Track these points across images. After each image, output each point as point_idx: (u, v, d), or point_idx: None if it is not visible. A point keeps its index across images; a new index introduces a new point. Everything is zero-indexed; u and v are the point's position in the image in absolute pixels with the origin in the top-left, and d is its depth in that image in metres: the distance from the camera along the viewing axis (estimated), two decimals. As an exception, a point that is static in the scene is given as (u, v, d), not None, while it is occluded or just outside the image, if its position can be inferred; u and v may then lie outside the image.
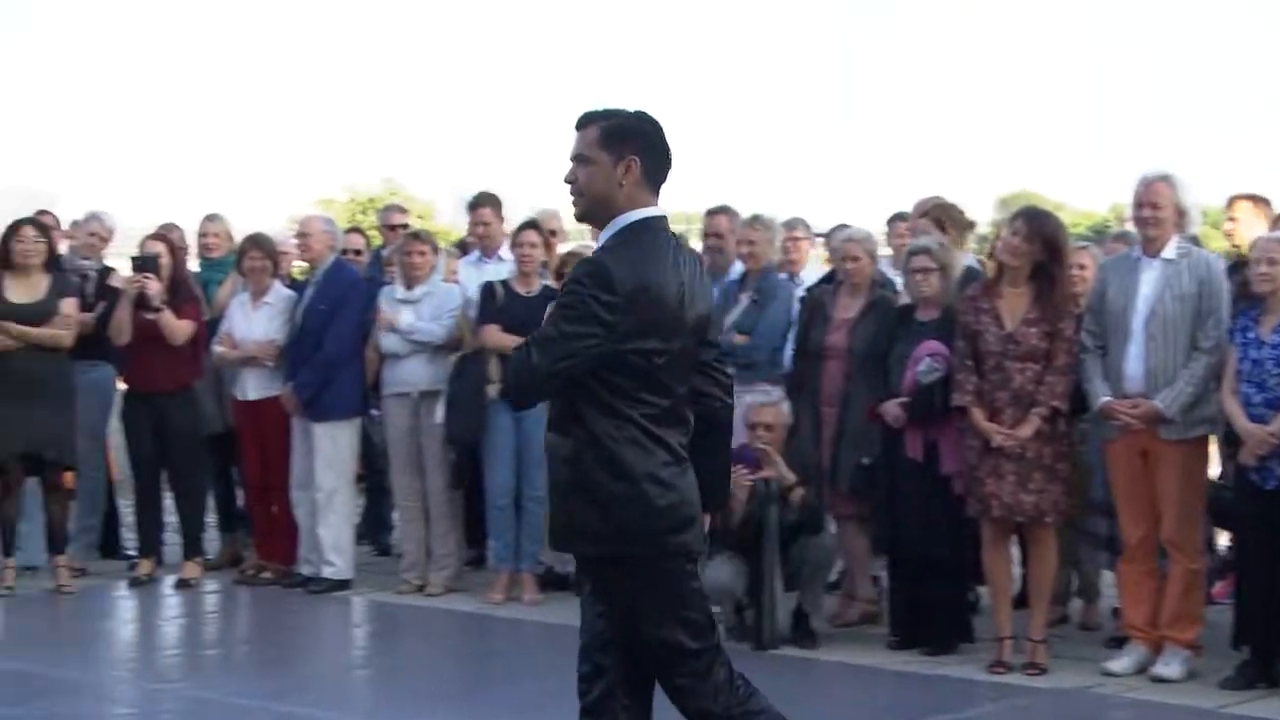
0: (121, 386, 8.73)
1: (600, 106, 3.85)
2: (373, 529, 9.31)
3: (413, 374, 8.06)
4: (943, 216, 7.31)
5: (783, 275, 7.89)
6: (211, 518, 8.93)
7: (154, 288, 8.12)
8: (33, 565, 8.43)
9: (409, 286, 8.12)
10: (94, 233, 8.89)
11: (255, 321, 8.32)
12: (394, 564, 8.68)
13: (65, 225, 9.48)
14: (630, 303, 3.63)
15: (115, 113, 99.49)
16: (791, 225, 8.04)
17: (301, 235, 8.32)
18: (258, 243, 8.42)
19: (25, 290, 8.06)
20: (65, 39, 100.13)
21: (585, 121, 3.81)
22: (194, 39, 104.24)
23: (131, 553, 8.79)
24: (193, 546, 8.45)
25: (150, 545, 8.48)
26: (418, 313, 8.03)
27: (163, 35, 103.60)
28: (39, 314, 8.02)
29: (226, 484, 8.91)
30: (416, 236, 8.45)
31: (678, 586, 3.77)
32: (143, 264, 8.17)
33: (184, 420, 8.33)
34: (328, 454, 8.14)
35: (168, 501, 8.62)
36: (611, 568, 3.77)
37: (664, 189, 3.83)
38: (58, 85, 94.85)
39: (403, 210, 10.27)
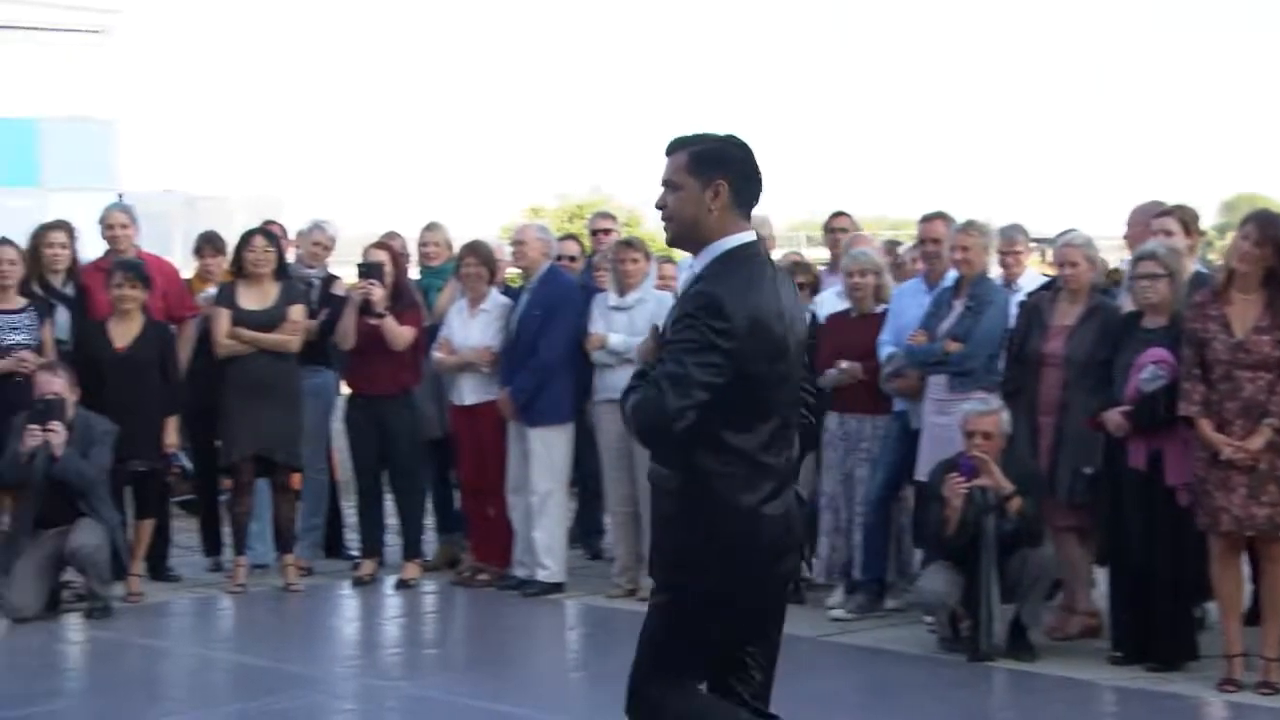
0: (345, 391, 8.99)
1: (691, 132, 3.85)
2: (585, 533, 9.41)
3: (623, 381, 8.09)
4: (1187, 219, 7.11)
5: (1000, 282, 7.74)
6: (430, 520, 9.14)
7: (377, 294, 8.33)
8: (262, 563, 8.74)
9: (621, 294, 8.19)
10: (318, 242, 9.16)
11: (472, 328, 8.49)
12: (605, 568, 8.78)
13: (291, 234, 9.79)
14: (743, 330, 3.66)
15: (340, 124, 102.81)
16: (1009, 232, 7.89)
17: (517, 243, 8.45)
18: (475, 250, 8.59)
19: (257, 297, 8.36)
20: (295, 54, 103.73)
21: (675, 147, 3.84)
22: (416, 53, 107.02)
23: (354, 553, 9.05)
24: (412, 548, 8.66)
25: (372, 546, 8.71)
26: (630, 319, 8.10)
27: (384, 50, 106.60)
28: (269, 320, 8.31)
29: (445, 487, 9.10)
30: (629, 244, 8.51)
31: (754, 617, 3.86)
32: (367, 271, 8.40)
33: (404, 424, 8.54)
34: (542, 458, 8.25)
35: (389, 503, 8.85)
36: (704, 598, 3.79)
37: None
38: (288, 97, 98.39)
39: (611, 217, 10.39)
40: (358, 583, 8.55)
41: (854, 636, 7.36)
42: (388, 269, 8.45)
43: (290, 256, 9.23)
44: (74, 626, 7.59)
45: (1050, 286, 7.44)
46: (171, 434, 8.23)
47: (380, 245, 8.70)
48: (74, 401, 7.72)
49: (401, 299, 8.52)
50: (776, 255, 9.07)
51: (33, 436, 7.47)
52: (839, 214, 9.42)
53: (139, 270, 8.23)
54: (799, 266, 8.38)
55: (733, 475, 3.72)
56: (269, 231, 8.76)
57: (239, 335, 8.26)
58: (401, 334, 8.41)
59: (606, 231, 9.60)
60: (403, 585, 8.50)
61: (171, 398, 8.22)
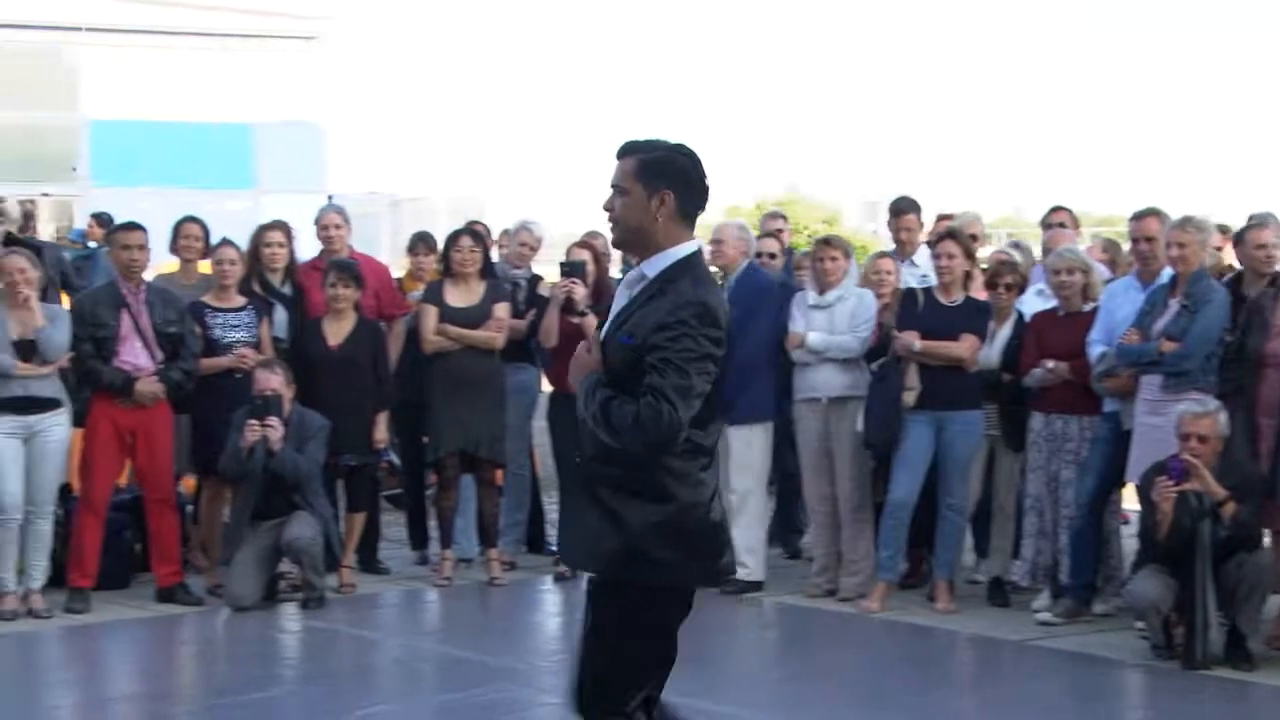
0: (547, 388, 9.11)
1: (642, 137, 3.84)
2: (784, 532, 9.39)
3: (823, 380, 8.09)
4: None
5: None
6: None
7: (579, 293, 8.41)
8: (466, 558, 8.92)
9: (821, 292, 8.14)
10: (524, 242, 9.30)
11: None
12: (804, 567, 8.74)
13: (497, 234, 9.97)
14: (727, 336, 3.75)
15: (542, 125, 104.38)
16: (1228, 229, 7.63)
17: (716, 241, 8.46)
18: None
19: (463, 295, 8.52)
20: (497, 57, 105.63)
21: (624, 152, 3.84)
22: (617, 54, 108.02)
23: (555, 549, 9.16)
24: (612, 543, 8.72)
25: (573, 541, 8.81)
26: (831, 318, 8.06)
27: (586, 52, 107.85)
28: (475, 318, 8.46)
29: (644, 483, 9.14)
30: (828, 241, 8.45)
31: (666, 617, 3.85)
32: (569, 270, 8.49)
33: (604, 421, 8.60)
34: (742, 457, 8.25)
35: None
36: (660, 593, 3.81)
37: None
38: (491, 99, 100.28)
39: (783, 217, 10.35)
40: (559, 578, 8.66)
41: (1061, 641, 7.20)
42: (590, 268, 8.53)
43: (495, 256, 9.40)
44: (289, 616, 7.83)
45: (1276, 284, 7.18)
46: (381, 430, 8.44)
47: (583, 244, 8.78)
48: (290, 398, 7.97)
49: (603, 297, 8.60)
50: (985, 252, 9.00)
51: (251, 431, 7.74)
52: (1057, 209, 9.24)
53: (352, 270, 8.47)
54: (1005, 266, 8.22)
55: (691, 473, 3.76)
56: (475, 231, 8.92)
57: (445, 332, 8.43)
58: (603, 332, 8.47)
59: (779, 232, 9.61)
60: (604, 581, 8.57)
61: (382, 394, 8.44)
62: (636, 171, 3.80)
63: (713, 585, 3.95)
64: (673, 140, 3.88)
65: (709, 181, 3.87)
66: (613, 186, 3.84)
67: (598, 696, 3.90)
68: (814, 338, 8.03)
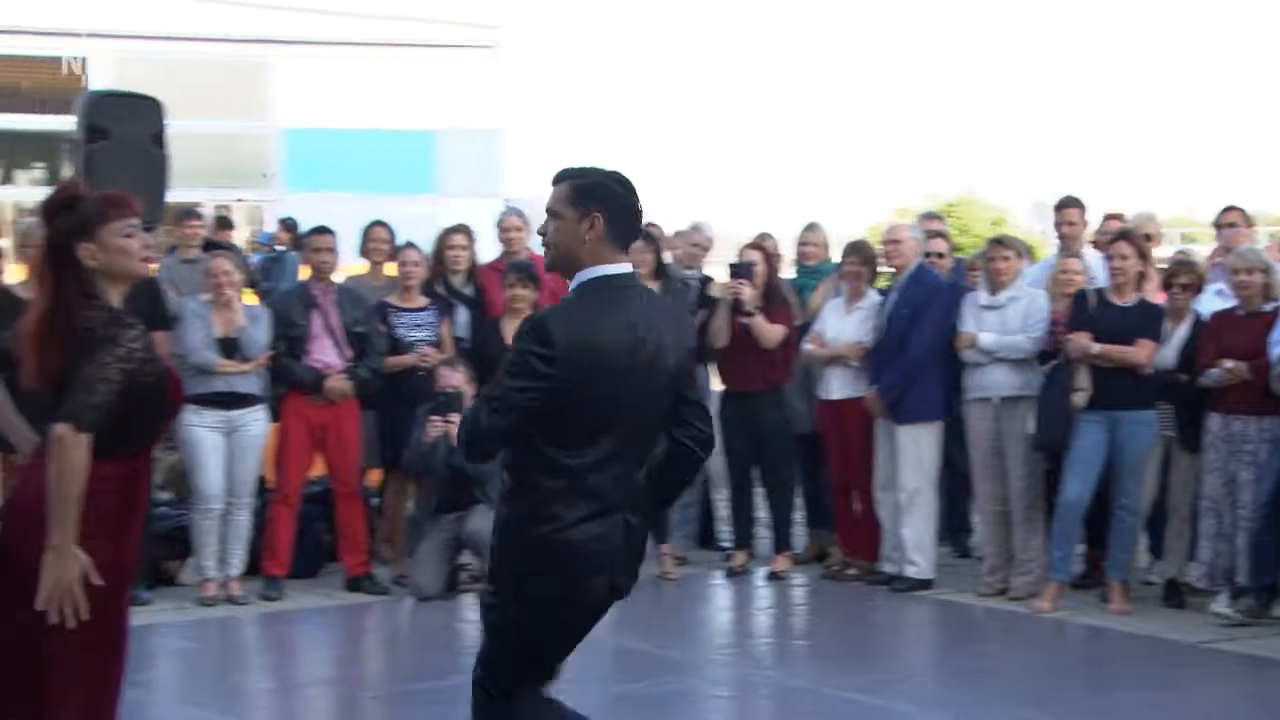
0: (717, 387, 9.25)
1: (578, 165, 3.95)
2: (953, 530, 9.39)
3: (995, 380, 8.09)
4: None
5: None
6: (800, 514, 9.30)
7: (748, 293, 8.54)
8: (639, 552, 9.09)
9: (993, 292, 8.14)
10: (695, 243, 9.45)
11: (848, 324, 8.58)
12: (973, 566, 8.74)
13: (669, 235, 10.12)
14: (565, 354, 3.72)
15: (710, 126, 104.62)
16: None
17: (892, 242, 8.50)
18: (858, 250, 8.70)
19: (636, 297, 8.69)
20: (666, 60, 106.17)
21: (559, 179, 3.94)
22: (787, 54, 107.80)
23: (726, 544, 9.31)
24: (782, 541, 8.84)
25: (744, 538, 8.95)
26: (1003, 318, 8.05)
27: (756, 52, 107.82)
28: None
29: (814, 482, 9.25)
30: (1000, 241, 8.45)
31: (560, 632, 3.93)
32: (738, 270, 8.62)
33: (775, 420, 8.73)
34: (911, 455, 8.29)
35: (759, 497, 9.06)
36: (515, 603, 3.88)
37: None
38: (659, 102, 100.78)
39: (939, 218, 10.31)
40: (729, 573, 8.79)
41: (1240, 644, 7.10)
42: (759, 268, 8.64)
43: (667, 258, 9.55)
44: (470, 606, 8.06)
45: None
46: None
47: (753, 245, 8.91)
48: (472, 395, 8.23)
49: (773, 298, 8.71)
50: (1163, 252, 8.87)
51: (434, 427, 8.02)
52: (1230, 209, 9.09)
53: (530, 271, 8.69)
54: (1182, 266, 8.12)
55: (554, 491, 3.80)
56: (648, 233, 9.08)
57: (620, 333, 8.60)
58: (772, 332, 8.59)
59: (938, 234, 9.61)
60: (773, 577, 8.69)
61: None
62: (568, 196, 3.90)
63: (566, 612, 3.92)
64: (608, 169, 4.00)
65: (640, 207, 3.96)
66: (547, 211, 3.94)
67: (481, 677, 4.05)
68: (985, 338, 8.04)
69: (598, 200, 3.89)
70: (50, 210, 4.04)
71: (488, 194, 24.86)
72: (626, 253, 3.95)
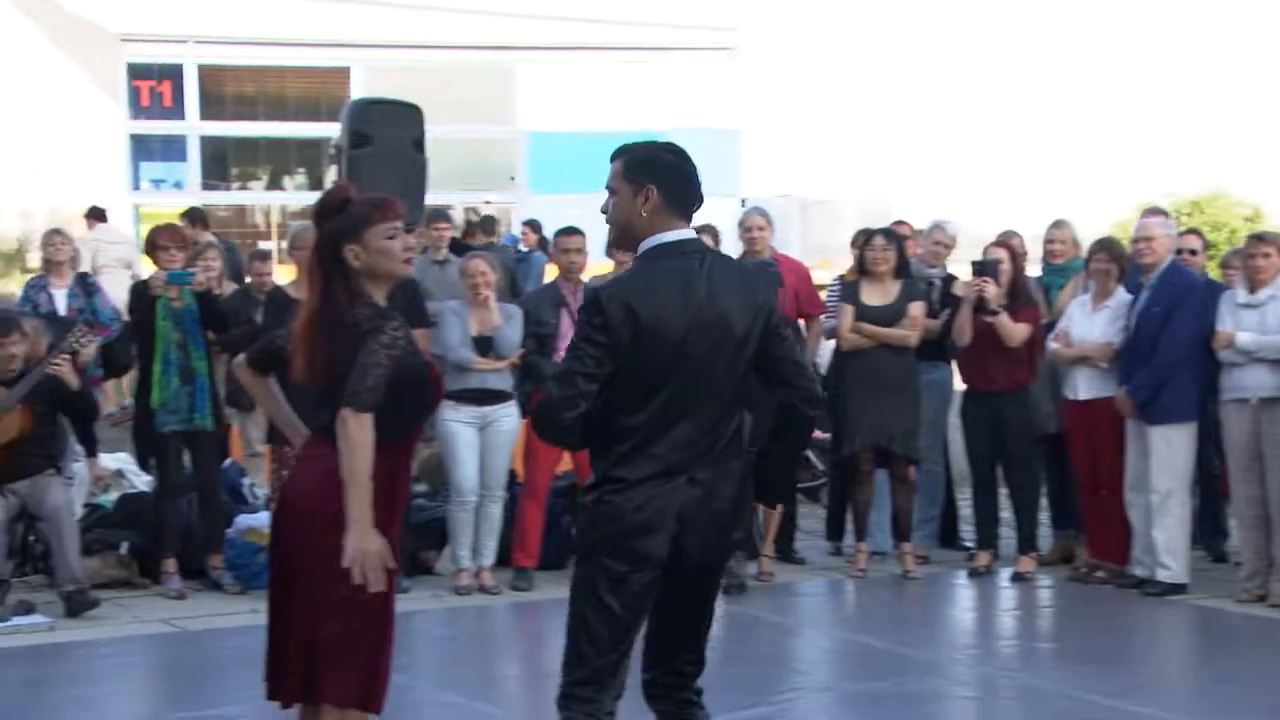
0: (960, 386, 9.18)
1: (634, 143, 4.07)
2: (1208, 534, 9.12)
3: (1254, 380, 7.84)
4: None
5: None
6: (1045, 514, 9.16)
7: (991, 291, 8.46)
8: (880, 551, 9.09)
9: (1252, 290, 7.89)
10: (938, 241, 9.39)
11: (1095, 323, 8.43)
12: (1229, 571, 8.49)
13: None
14: (621, 322, 3.84)
15: (952, 125, 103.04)
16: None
17: (1144, 239, 8.29)
18: (1106, 247, 8.53)
19: (879, 294, 8.69)
20: (905, 59, 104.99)
21: (614, 156, 4.04)
22: (1027, 51, 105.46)
23: (969, 544, 9.23)
24: (1027, 542, 8.72)
25: (987, 538, 8.86)
26: (1262, 317, 7.80)
27: (994, 48, 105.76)
28: (890, 316, 8.63)
29: (1060, 482, 9.10)
30: (1260, 238, 8.17)
31: (612, 594, 3.93)
32: (981, 269, 8.54)
33: (1019, 419, 8.62)
34: (1163, 457, 8.09)
35: (1003, 497, 8.96)
36: (583, 568, 4.00)
37: None
38: (899, 101, 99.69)
39: (1162, 213, 9.95)
40: (973, 573, 8.72)
41: None
42: (1004, 266, 8.55)
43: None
44: (731, 597, 8.11)
45: None
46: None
47: (999, 243, 8.81)
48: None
49: (1018, 296, 8.60)
50: None
51: None
52: None
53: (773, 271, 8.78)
54: None
55: (621, 455, 3.90)
56: (890, 231, 9.09)
57: (861, 330, 8.63)
58: (1016, 331, 8.49)
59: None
60: (1018, 578, 8.59)
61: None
62: (623, 171, 4.00)
63: (623, 564, 3.94)
64: (663, 142, 4.08)
65: (694, 173, 4.03)
66: (607, 189, 4.05)
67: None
68: (1244, 338, 7.80)
69: (651, 172, 3.99)
70: (321, 213, 4.27)
71: (725, 194, 25.06)
72: (688, 221, 4.04)
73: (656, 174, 3.99)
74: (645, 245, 4.00)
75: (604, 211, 4.08)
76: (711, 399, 3.99)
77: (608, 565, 3.95)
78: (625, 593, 3.96)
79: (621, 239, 4.09)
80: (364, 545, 3.98)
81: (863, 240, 8.97)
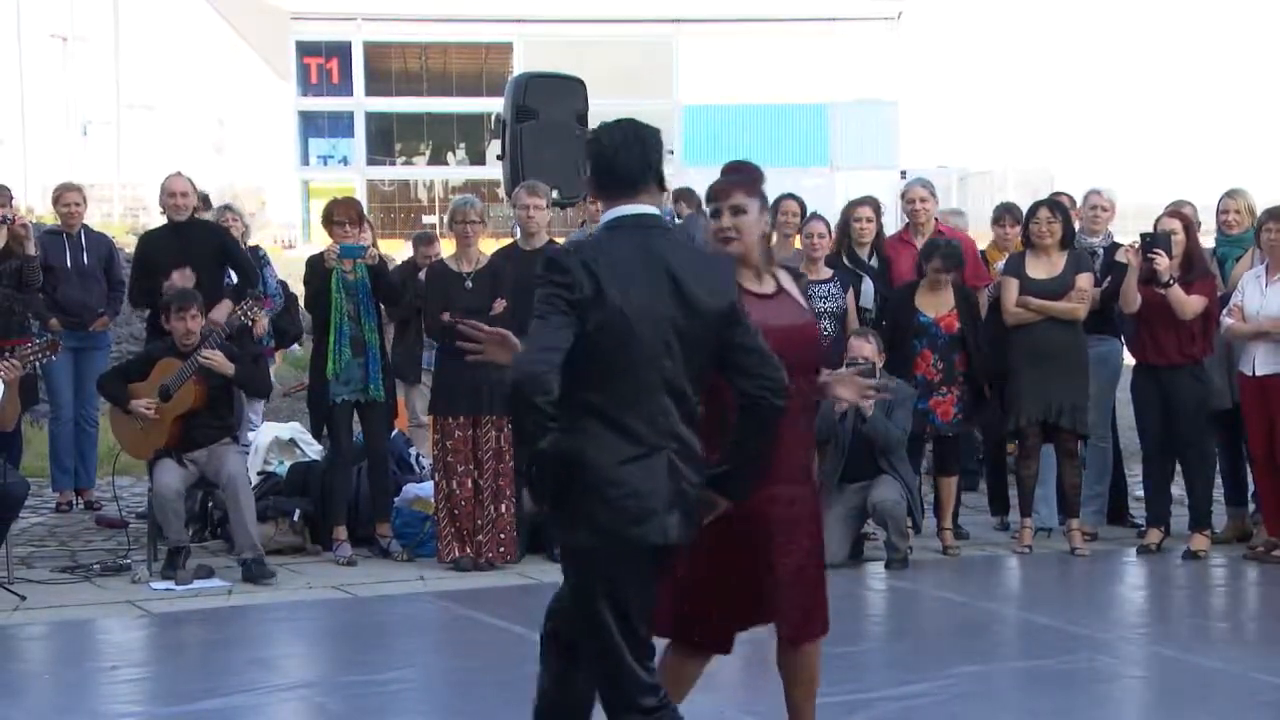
0: (1130, 360, 8.97)
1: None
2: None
3: None
4: None
5: None
6: (1219, 492, 8.93)
7: (1163, 264, 8.24)
8: (1046, 527, 8.95)
9: None
10: (1095, 205, 9.25)
11: (1270, 296, 8.17)
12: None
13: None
14: (581, 284, 3.75)
15: (1118, 93, 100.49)
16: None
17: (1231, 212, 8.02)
18: (1275, 215, 8.26)
19: (1044, 267, 8.52)
20: (1072, 27, 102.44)
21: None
22: (1200, 18, 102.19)
23: (1139, 522, 9.04)
24: (1200, 519, 8.50)
25: (1158, 515, 8.66)
26: None
27: (1168, 17, 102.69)
28: (1056, 288, 8.46)
29: (1235, 459, 8.85)
30: None
31: (628, 577, 3.83)
32: (1152, 240, 8.33)
33: (1192, 394, 8.40)
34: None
35: (1175, 474, 8.75)
36: (569, 557, 3.94)
37: None
38: (1064, 70, 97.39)
39: None
40: (1142, 551, 8.54)
41: None
42: (1178, 237, 8.33)
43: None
44: (875, 575, 8.14)
45: None
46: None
47: (1171, 213, 8.59)
48: (880, 366, 8.26)
49: (1193, 268, 8.38)
50: None
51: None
52: None
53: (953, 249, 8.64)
54: None
55: (581, 431, 3.77)
56: (1056, 202, 8.91)
57: (1027, 304, 8.49)
58: (1189, 303, 8.27)
59: None
60: (1190, 556, 8.38)
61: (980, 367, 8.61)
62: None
63: (622, 559, 3.82)
64: (619, 118, 4.07)
65: (628, 148, 3.95)
66: None
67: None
68: None
69: (586, 161, 4.10)
70: None
71: (882, 166, 24.81)
72: (637, 196, 3.95)
73: (589, 161, 4.08)
74: (604, 218, 4.03)
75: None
76: (677, 380, 3.87)
77: (597, 551, 3.96)
78: (630, 580, 4.01)
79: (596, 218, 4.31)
80: None
81: (1028, 212, 8.81)
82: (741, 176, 4.51)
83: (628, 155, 3.97)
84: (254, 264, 9.23)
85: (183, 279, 8.43)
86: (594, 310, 3.77)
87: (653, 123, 4.13)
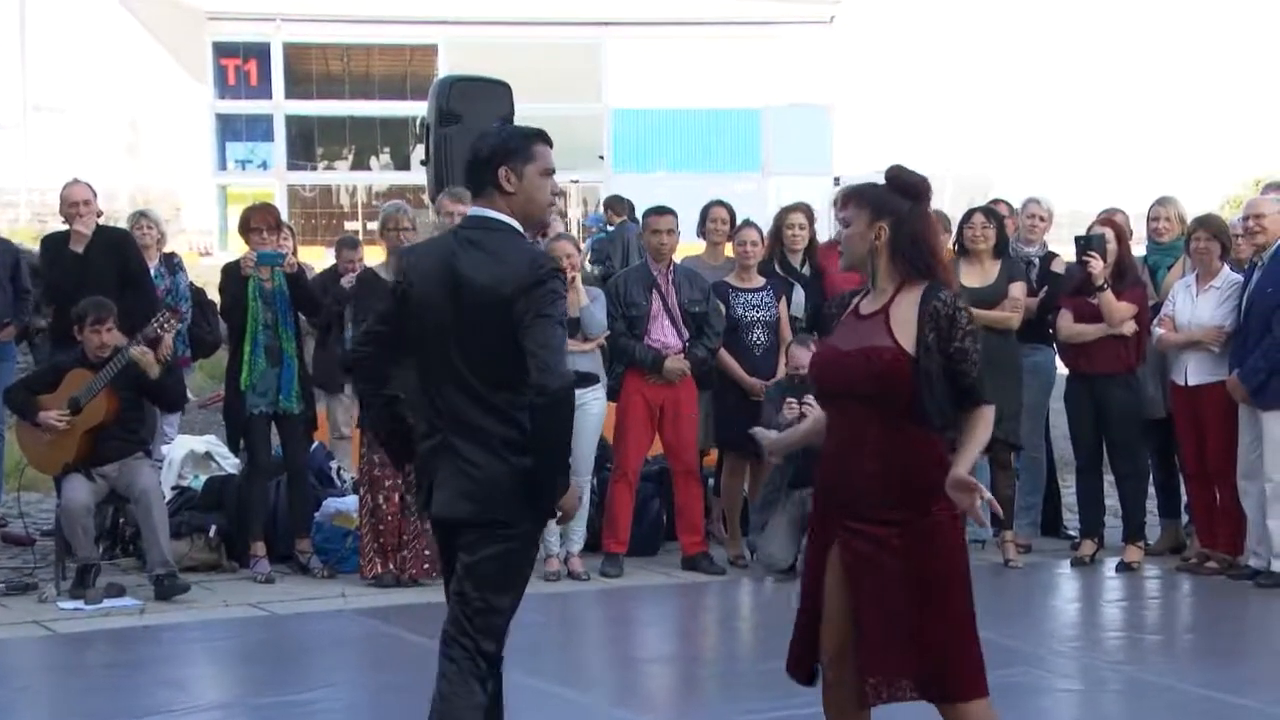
0: (1063, 370, 8.91)
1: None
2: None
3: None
4: None
5: None
6: (1152, 503, 8.88)
7: (1097, 267, 8.20)
8: (980, 539, 8.85)
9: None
10: (1033, 215, 9.17)
11: (1201, 306, 8.15)
12: (1350, 564, 8.16)
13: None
14: (403, 280, 4.24)
15: (1052, 101, 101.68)
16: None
17: (1254, 217, 7.99)
18: (1206, 224, 8.24)
19: (978, 275, 8.45)
20: (1004, 33, 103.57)
21: None
22: (1129, 24, 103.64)
23: (1073, 533, 8.98)
24: (1134, 531, 8.46)
25: (1091, 527, 8.60)
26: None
27: (1096, 23, 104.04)
28: (990, 297, 8.38)
29: (1168, 469, 8.81)
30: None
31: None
32: (1087, 244, 8.28)
33: (1125, 403, 8.35)
34: (1277, 443, 7.80)
35: (1108, 484, 8.69)
36: None
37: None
38: (998, 76, 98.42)
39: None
40: (1077, 563, 8.48)
41: None
42: (1110, 245, 8.29)
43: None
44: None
45: None
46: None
47: (1103, 220, 8.55)
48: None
49: (1124, 276, 8.33)
50: None
51: (790, 410, 7.97)
52: None
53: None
54: None
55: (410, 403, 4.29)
56: (989, 209, 8.84)
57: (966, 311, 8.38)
58: (1121, 309, 8.22)
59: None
60: (1124, 568, 8.33)
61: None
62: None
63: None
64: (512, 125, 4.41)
65: (483, 153, 4.20)
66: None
67: None
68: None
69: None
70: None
71: (816, 172, 24.75)
72: (478, 196, 4.24)
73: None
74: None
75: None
76: (459, 371, 4.10)
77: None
78: (442, 548, 4.55)
79: None
80: None
81: (961, 220, 8.73)
82: (861, 187, 4.26)
83: (479, 161, 4.25)
84: (153, 290, 8.81)
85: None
86: (398, 301, 4.25)
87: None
